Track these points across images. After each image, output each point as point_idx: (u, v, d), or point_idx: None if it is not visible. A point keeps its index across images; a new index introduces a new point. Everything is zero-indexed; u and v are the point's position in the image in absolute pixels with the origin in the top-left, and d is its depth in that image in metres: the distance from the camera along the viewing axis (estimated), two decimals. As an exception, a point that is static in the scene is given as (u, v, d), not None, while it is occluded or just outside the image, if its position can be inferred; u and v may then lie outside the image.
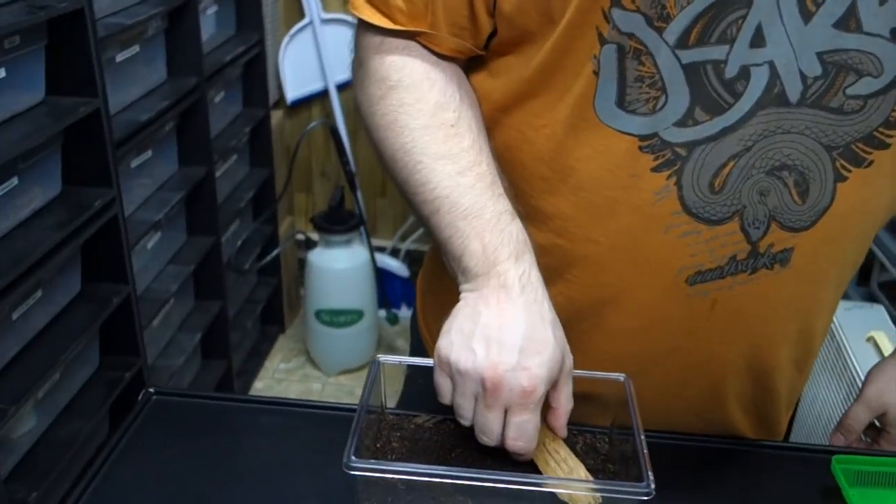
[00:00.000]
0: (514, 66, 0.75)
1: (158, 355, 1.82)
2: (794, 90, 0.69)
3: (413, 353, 0.99)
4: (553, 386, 0.66)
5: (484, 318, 0.65)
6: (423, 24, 0.74)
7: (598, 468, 0.72)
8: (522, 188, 0.78)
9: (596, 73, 0.70)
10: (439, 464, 0.65)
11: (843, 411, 0.92)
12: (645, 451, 0.64)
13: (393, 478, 0.61)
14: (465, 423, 0.66)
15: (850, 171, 0.72)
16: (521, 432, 0.65)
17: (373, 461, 0.62)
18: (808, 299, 0.80)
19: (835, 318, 1.67)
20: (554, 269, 0.78)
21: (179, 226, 1.95)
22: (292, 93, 2.52)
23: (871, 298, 2.36)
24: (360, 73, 0.78)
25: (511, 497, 0.62)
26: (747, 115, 0.69)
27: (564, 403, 0.68)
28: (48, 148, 1.33)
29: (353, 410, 0.67)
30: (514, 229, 0.69)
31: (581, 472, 0.68)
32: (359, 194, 2.46)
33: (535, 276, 0.68)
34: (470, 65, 0.80)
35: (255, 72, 2.30)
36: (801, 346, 0.84)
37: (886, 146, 0.72)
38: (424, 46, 0.75)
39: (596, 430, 0.76)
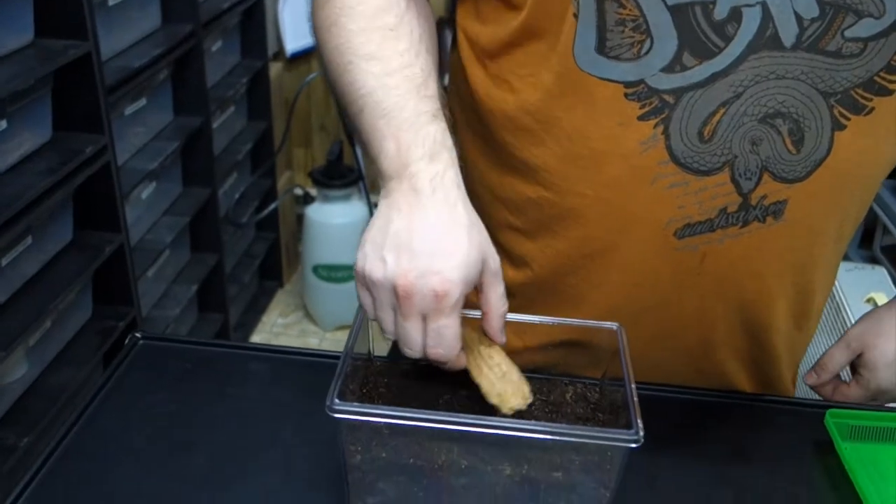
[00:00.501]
0: (503, 14, 0.73)
1: (153, 306, 1.81)
2: (788, 33, 0.66)
3: None
4: (479, 290, 0.64)
5: (395, 225, 0.62)
6: None
7: (588, 417, 0.71)
8: (508, 140, 0.76)
9: (576, 17, 0.67)
10: (425, 409, 0.64)
11: (842, 373, 0.91)
12: (635, 398, 0.62)
13: (377, 422, 0.60)
14: (390, 336, 0.64)
15: (848, 119, 0.69)
16: (439, 338, 0.62)
17: (356, 404, 0.61)
18: (803, 254, 0.77)
19: (835, 279, 1.66)
20: (541, 222, 0.77)
21: (175, 176, 1.92)
22: (291, 45, 2.48)
23: (874, 261, 2.34)
24: None
25: (497, 444, 0.61)
26: (738, 60, 0.66)
27: (495, 305, 0.65)
28: (37, 91, 1.30)
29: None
30: (432, 129, 0.66)
31: (514, 375, 0.66)
32: (358, 149, 2.43)
33: (450, 178, 0.64)
34: (461, 6, 0.77)
35: (254, 22, 2.26)
36: (799, 302, 0.82)
37: (889, 93, 0.69)
38: None
39: (587, 381, 0.75)
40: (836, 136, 0.70)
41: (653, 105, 0.68)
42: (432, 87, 0.69)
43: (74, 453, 0.73)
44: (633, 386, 0.64)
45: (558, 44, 0.69)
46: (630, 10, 0.66)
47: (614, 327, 0.72)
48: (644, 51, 0.67)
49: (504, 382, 0.66)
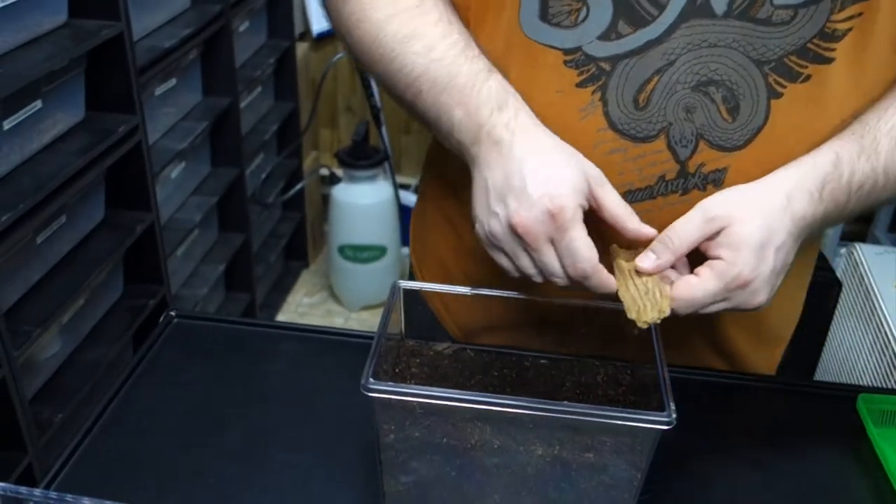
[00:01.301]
0: None
1: (182, 285, 1.83)
2: (719, 1, 0.66)
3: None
4: (594, 203, 0.66)
5: (491, 181, 0.66)
6: None
7: (620, 399, 0.72)
8: None
9: None
10: (458, 390, 0.65)
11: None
12: (667, 381, 0.63)
13: (411, 401, 0.61)
14: (540, 279, 0.67)
15: (784, 86, 0.69)
16: (573, 254, 0.64)
17: (391, 384, 0.61)
18: None
19: (864, 263, 1.64)
20: None
21: (203, 156, 1.94)
22: (318, 25, 2.48)
23: (903, 245, 2.31)
24: None
25: (528, 424, 0.62)
26: (671, 28, 0.67)
27: (615, 208, 0.66)
28: (71, 71, 1.32)
29: (373, 337, 0.66)
30: (492, 84, 0.68)
31: (657, 293, 0.65)
32: (384, 129, 2.44)
33: (524, 118, 0.67)
34: None
35: (280, 2, 2.26)
36: None
37: (827, 60, 0.68)
38: None
39: (618, 363, 0.76)
40: (773, 104, 0.69)
41: (590, 72, 0.70)
42: (474, 47, 0.70)
43: (111, 430, 0.75)
44: (666, 368, 0.64)
45: (506, 10, 0.71)
46: None
47: (646, 310, 0.72)
48: (581, 18, 0.68)
49: (645, 298, 0.66)
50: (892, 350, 1.41)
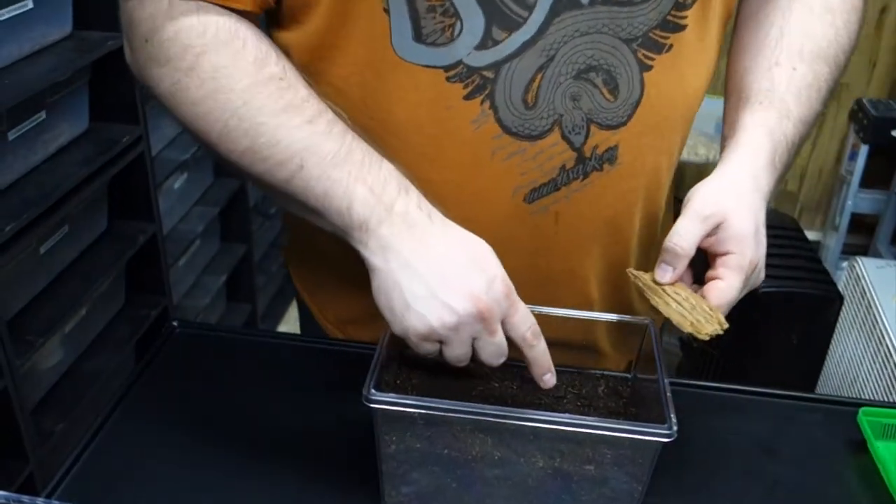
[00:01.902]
0: (305, 16, 0.71)
1: (184, 295, 1.84)
2: None
3: (303, 324, 0.97)
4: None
5: (422, 267, 0.63)
6: None
7: (620, 411, 0.72)
8: None
9: (386, 11, 0.68)
10: (459, 401, 0.65)
11: (871, 370, 0.89)
12: (668, 393, 0.63)
13: (412, 412, 0.61)
14: (465, 363, 0.65)
15: (653, 59, 0.73)
16: (526, 319, 0.65)
17: (392, 395, 0.61)
18: (643, 183, 0.79)
19: (865, 277, 1.65)
20: None
21: (206, 167, 1.94)
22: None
23: (905, 258, 2.31)
24: (149, 50, 0.67)
25: (529, 436, 0.62)
26: (544, 25, 0.69)
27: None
28: (76, 83, 1.32)
29: (374, 349, 0.67)
30: (386, 164, 0.66)
31: (705, 305, 0.68)
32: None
33: (424, 200, 0.66)
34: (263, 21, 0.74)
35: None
36: (648, 207, 0.82)
37: (682, 28, 0.73)
38: (217, 4, 0.67)
39: (618, 375, 0.76)
40: (646, 76, 0.73)
41: (475, 83, 0.70)
42: (347, 121, 0.68)
43: (112, 440, 0.75)
44: (667, 381, 0.64)
45: (366, 36, 0.69)
46: None
47: (646, 322, 0.73)
48: (456, 33, 0.68)
49: (696, 313, 0.68)
50: (894, 363, 1.41)
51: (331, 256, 0.84)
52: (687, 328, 0.67)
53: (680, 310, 0.68)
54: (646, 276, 0.72)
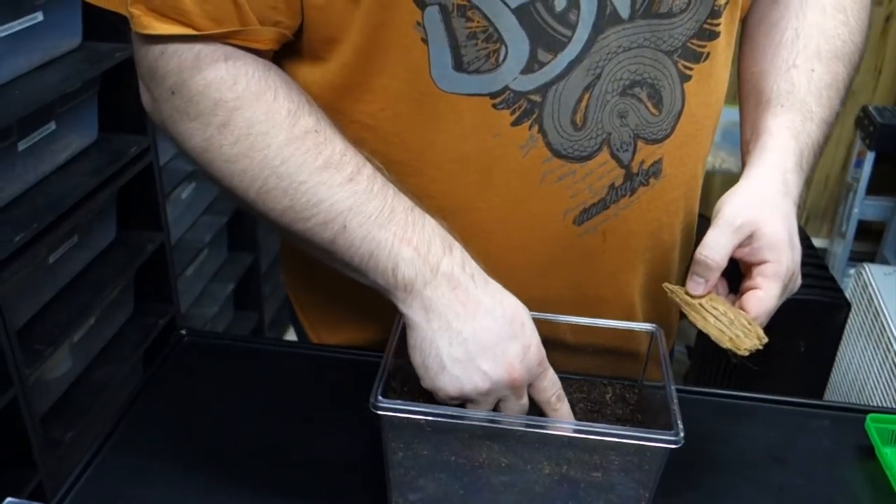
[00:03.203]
0: (329, 52, 0.69)
1: (192, 304, 1.84)
2: (623, 6, 0.67)
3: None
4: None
5: (464, 331, 0.62)
6: (233, 22, 0.63)
7: (628, 418, 0.72)
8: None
9: (425, 41, 0.65)
10: (466, 408, 0.65)
11: (879, 377, 0.89)
12: (675, 399, 0.63)
13: (419, 419, 0.61)
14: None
15: (691, 69, 0.73)
16: (555, 383, 0.66)
17: (399, 402, 0.62)
18: (684, 192, 0.80)
19: (873, 284, 1.64)
20: None
21: (214, 177, 1.95)
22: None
23: (913, 265, 2.31)
24: (178, 103, 0.64)
25: (536, 443, 0.62)
26: (588, 43, 0.68)
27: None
28: (85, 93, 1.34)
29: (382, 356, 0.67)
30: (429, 221, 0.64)
31: (743, 319, 0.67)
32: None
33: (468, 258, 0.65)
34: (279, 56, 0.70)
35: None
36: (687, 216, 0.83)
37: (717, 35, 0.73)
38: (241, 47, 0.64)
39: (625, 382, 0.76)
40: (686, 87, 0.73)
41: (522, 108, 0.69)
42: (388, 176, 0.66)
43: (120, 448, 0.75)
44: (674, 387, 0.64)
45: (409, 72, 0.67)
46: (478, 21, 0.65)
47: (652, 329, 0.73)
48: (501, 58, 0.67)
49: (734, 327, 0.67)
50: (902, 371, 1.41)
51: (329, 286, 0.84)
52: (726, 344, 0.66)
53: (718, 325, 0.68)
54: (681, 291, 0.71)
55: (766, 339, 0.67)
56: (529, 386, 0.65)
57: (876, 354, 1.52)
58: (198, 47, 0.63)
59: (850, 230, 2.58)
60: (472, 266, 0.65)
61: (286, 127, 0.63)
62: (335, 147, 0.64)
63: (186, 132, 0.64)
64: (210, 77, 0.62)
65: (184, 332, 0.90)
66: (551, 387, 0.66)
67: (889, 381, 1.45)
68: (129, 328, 1.54)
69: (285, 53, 0.71)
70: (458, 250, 0.65)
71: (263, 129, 0.63)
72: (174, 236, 1.70)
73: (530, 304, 0.68)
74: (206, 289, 1.92)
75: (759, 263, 0.70)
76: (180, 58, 0.63)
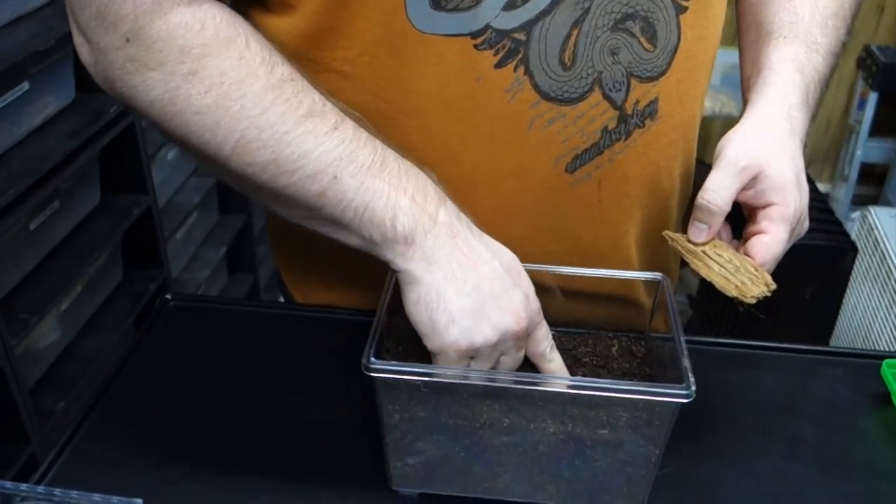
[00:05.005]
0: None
1: (183, 269, 1.81)
2: None
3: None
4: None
5: (469, 280, 0.59)
6: None
7: (635, 371, 0.69)
8: None
9: None
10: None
11: (886, 320, 0.86)
12: (685, 352, 0.59)
13: (415, 380, 0.58)
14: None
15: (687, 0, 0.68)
16: (549, 337, 0.63)
17: (394, 363, 0.58)
18: (682, 134, 0.75)
19: (879, 227, 1.61)
20: None
21: (200, 137, 1.90)
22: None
23: (917, 207, 2.27)
24: (133, 51, 0.57)
25: (539, 401, 0.59)
26: None
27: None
28: (59, 51, 1.28)
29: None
30: (421, 172, 0.61)
31: (749, 266, 0.64)
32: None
33: (457, 208, 0.62)
34: (244, 6, 0.66)
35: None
36: (685, 160, 0.79)
37: None
38: None
39: (631, 334, 0.72)
40: (681, 19, 0.68)
41: (506, 48, 0.64)
42: (366, 124, 0.62)
43: (107, 419, 0.72)
44: (683, 339, 0.61)
45: (384, 14, 0.62)
46: None
47: (659, 278, 0.69)
48: None
49: (740, 274, 0.64)
50: (910, 314, 1.38)
51: (311, 249, 0.81)
52: (732, 292, 0.63)
53: (723, 272, 0.64)
54: (682, 239, 0.67)
55: (773, 286, 0.63)
56: (528, 337, 0.62)
57: (883, 298, 1.49)
58: None
59: (853, 173, 2.54)
60: (465, 217, 0.62)
61: (262, 75, 0.58)
62: (314, 96, 0.59)
63: (144, 84, 0.58)
64: (173, 22, 0.56)
65: (169, 296, 0.87)
66: (546, 337, 0.63)
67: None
68: (119, 295, 1.50)
69: (251, 2, 0.66)
70: (450, 201, 0.62)
71: (238, 76, 0.57)
72: (161, 199, 1.66)
73: (524, 260, 0.64)
74: (198, 252, 1.89)
75: (765, 206, 0.66)
76: (136, 1, 0.56)
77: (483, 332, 0.58)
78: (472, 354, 0.60)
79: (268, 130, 0.57)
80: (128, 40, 0.57)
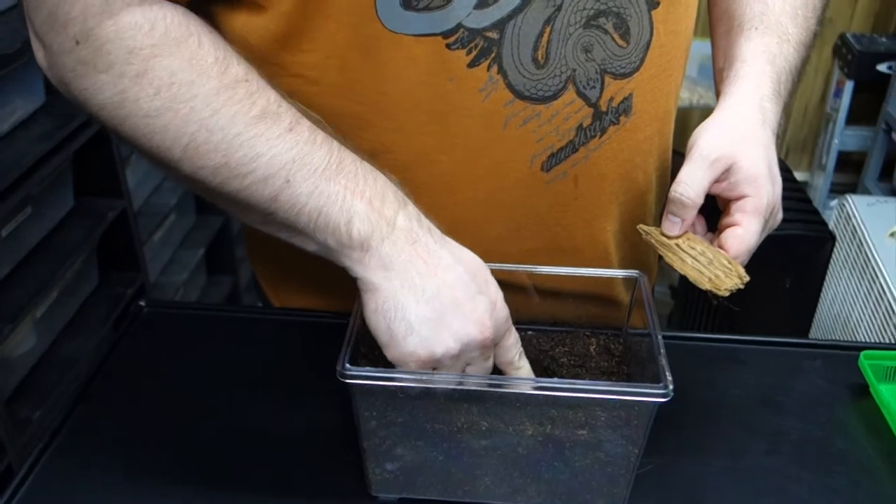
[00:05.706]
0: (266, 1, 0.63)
1: (161, 272, 1.79)
2: None
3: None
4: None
5: (429, 288, 0.57)
6: None
7: (613, 370, 0.68)
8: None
9: None
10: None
11: (864, 309, 0.86)
12: (662, 350, 0.59)
13: (392, 386, 0.57)
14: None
15: None
16: (518, 344, 0.62)
17: (369, 369, 0.58)
18: (657, 129, 0.75)
19: (856, 215, 1.61)
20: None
21: (176, 138, 1.88)
22: None
23: (894, 193, 2.29)
24: (83, 53, 0.55)
25: (517, 403, 0.58)
26: None
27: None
28: (27, 53, 1.26)
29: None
30: (379, 174, 0.59)
31: (722, 258, 0.64)
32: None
33: (421, 214, 0.60)
34: (211, 6, 0.65)
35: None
36: (661, 155, 0.79)
37: None
38: None
39: (609, 332, 0.72)
40: (654, 14, 0.68)
41: (479, 47, 0.63)
42: (325, 127, 0.60)
43: (83, 425, 0.71)
44: (661, 337, 0.61)
45: (353, 15, 0.61)
46: None
47: (635, 275, 0.69)
48: None
49: (713, 267, 0.64)
50: (888, 301, 1.39)
51: (284, 252, 0.77)
52: (705, 285, 0.63)
53: (696, 265, 0.64)
54: (656, 232, 0.67)
55: (747, 278, 0.63)
56: (495, 346, 0.61)
57: (861, 286, 1.50)
58: None
59: (831, 162, 2.55)
60: (427, 222, 0.60)
61: (214, 75, 0.56)
62: (269, 96, 0.58)
63: (94, 87, 0.56)
64: (123, 23, 0.54)
65: (143, 303, 0.85)
66: (515, 345, 0.62)
67: (875, 312, 1.43)
68: (96, 300, 1.48)
69: (217, 2, 0.64)
70: (412, 205, 0.60)
71: (188, 77, 0.55)
72: (137, 202, 1.64)
73: (502, 259, 0.63)
74: (176, 255, 1.87)
75: (738, 198, 0.66)
76: (86, 2, 0.54)
77: (444, 341, 0.57)
78: (434, 365, 0.58)
79: (218, 133, 0.56)
80: (77, 42, 0.55)
